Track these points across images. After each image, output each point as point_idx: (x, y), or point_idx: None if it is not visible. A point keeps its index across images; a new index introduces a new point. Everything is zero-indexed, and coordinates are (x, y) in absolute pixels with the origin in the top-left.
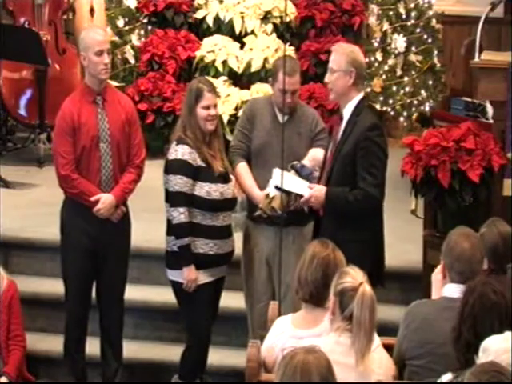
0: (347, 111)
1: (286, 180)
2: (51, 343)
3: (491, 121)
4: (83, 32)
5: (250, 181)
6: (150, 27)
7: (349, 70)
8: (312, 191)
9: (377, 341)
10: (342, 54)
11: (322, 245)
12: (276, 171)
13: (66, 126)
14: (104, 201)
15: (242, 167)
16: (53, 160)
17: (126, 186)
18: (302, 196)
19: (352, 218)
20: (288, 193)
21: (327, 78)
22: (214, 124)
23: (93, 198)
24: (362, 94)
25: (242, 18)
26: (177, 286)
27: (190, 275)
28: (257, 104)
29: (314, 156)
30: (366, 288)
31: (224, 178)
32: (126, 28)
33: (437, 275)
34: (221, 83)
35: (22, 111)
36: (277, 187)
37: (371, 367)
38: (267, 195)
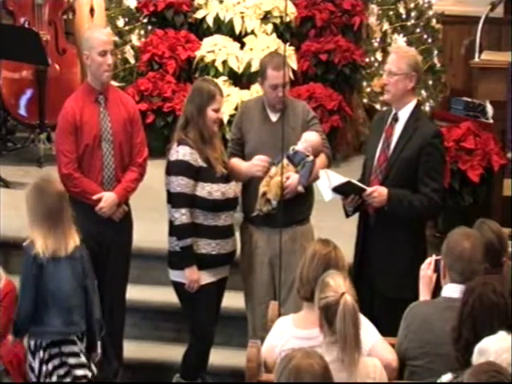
0: (403, 114)
1: (336, 179)
2: None
3: (491, 121)
4: (88, 31)
5: (242, 167)
6: (150, 27)
7: (410, 74)
8: (376, 186)
9: (375, 335)
10: (403, 57)
11: (322, 243)
12: (322, 173)
13: (68, 124)
14: (106, 199)
15: (234, 160)
16: (53, 160)
17: (129, 185)
18: (362, 190)
19: (407, 220)
20: (347, 194)
21: (385, 80)
22: (217, 126)
23: (95, 197)
24: (416, 99)
25: (242, 18)
26: (179, 287)
27: (192, 276)
28: (247, 108)
29: (307, 138)
30: (348, 299)
31: (225, 178)
32: (126, 28)
33: (424, 271)
34: (221, 83)
35: (22, 111)
36: (334, 190)
37: (364, 377)
38: (263, 194)
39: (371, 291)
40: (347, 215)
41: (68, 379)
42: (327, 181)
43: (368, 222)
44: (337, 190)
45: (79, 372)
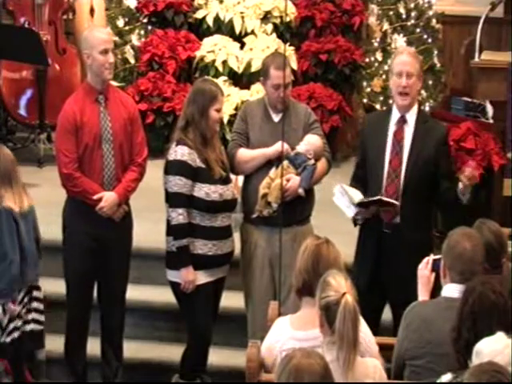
0: (411, 116)
1: (355, 193)
2: (51, 343)
3: (491, 121)
4: (86, 31)
5: (256, 151)
6: (150, 27)
7: (420, 74)
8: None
9: (369, 334)
10: (416, 57)
11: (315, 237)
12: (337, 189)
13: (68, 124)
14: (107, 199)
15: (243, 150)
16: (53, 160)
17: (129, 185)
18: (391, 204)
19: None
20: (368, 204)
21: (404, 82)
22: (218, 125)
23: (95, 197)
24: (417, 99)
25: (242, 18)
26: (176, 287)
27: (187, 276)
28: (250, 107)
29: (310, 140)
30: (348, 299)
31: (224, 179)
32: (126, 28)
33: (422, 271)
34: (221, 83)
35: (22, 111)
36: (360, 204)
37: (363, 377)
38: (263, 195)
39: (384, 301)
40: (355, 224)
41: (33, 325)
42: (345, 196)
43: (382, 240)
44: (362, 204)
45: (41, 318)
